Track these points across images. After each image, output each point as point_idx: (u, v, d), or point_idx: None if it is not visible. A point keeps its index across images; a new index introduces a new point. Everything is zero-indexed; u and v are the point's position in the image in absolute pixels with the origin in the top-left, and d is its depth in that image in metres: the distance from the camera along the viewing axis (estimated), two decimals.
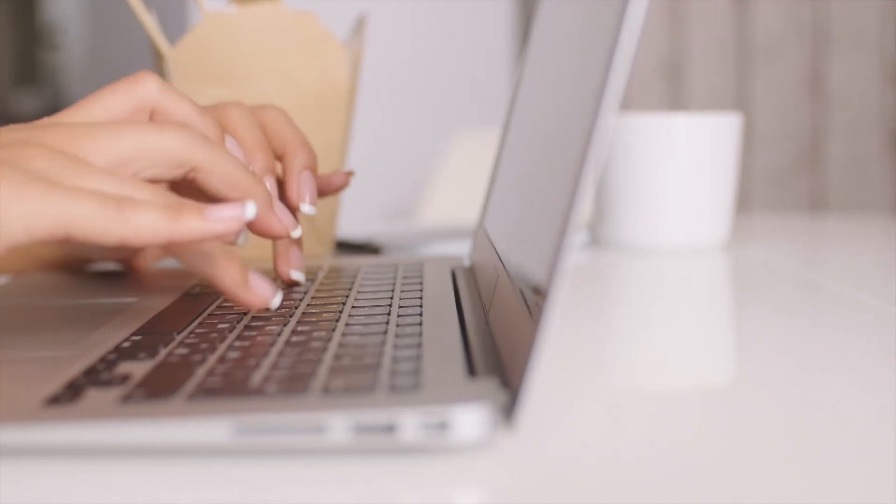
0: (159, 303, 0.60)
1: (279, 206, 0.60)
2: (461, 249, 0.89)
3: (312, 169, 0.65)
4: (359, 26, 0.87)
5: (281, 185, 0.65)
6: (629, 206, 0.92)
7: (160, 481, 0.36)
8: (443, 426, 0.37)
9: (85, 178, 0.48)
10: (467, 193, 1.71)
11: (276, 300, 0.53)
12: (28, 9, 5.11)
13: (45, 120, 0.54)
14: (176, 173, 0.53)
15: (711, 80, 2.47)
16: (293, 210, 0.64)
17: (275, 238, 0.58)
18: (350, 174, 0.68)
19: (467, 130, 1.95)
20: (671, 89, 2.49)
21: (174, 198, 0.48)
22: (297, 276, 0.64)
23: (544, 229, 0.43)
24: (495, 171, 0.72)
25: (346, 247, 0.93)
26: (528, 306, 0.41)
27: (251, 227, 0.57)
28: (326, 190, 0.68)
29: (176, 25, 2.50)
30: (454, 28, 2.61)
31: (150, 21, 0.80)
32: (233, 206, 0.48)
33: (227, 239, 0.49)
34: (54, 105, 4.51)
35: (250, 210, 0.48)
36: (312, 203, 0.64)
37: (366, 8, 2.50)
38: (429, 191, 1.87)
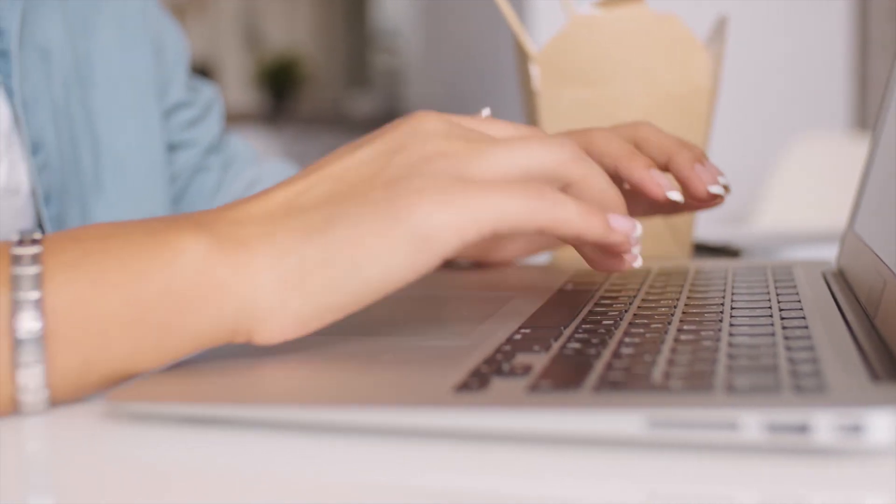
0: (537, 297, 0.62)
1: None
2: (820, 254, 0.88)
3: (702, 161, 0.64)
4: (719, 28, 0.87)
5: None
6: None
7: (566, 470, 0.38)
8: (856, 429, 0.37)
9: (492, 167, 0.48)
10: (807, 197, 1.68)
11: (637, 231, 0.51)
12: (361, 14, 5.32)
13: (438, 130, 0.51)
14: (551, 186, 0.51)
15: None
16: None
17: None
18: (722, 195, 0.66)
19: (807, 135, 1.91)
20: None
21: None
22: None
23: None
24: (867, 174, 0.71)
25: (704, 249, 0.93)
26: None
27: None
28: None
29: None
30: (795, 32, 2.55)
31: (516, 23, 0.82)
32: (630, 221, 0.50)
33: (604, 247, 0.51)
34: (387, 106, 4.67)
35: (639, 230, 0.51)
36: (717, 183, 0.63)
37: (725, 9, 2.48)
38: (767, 194, 1.84)
